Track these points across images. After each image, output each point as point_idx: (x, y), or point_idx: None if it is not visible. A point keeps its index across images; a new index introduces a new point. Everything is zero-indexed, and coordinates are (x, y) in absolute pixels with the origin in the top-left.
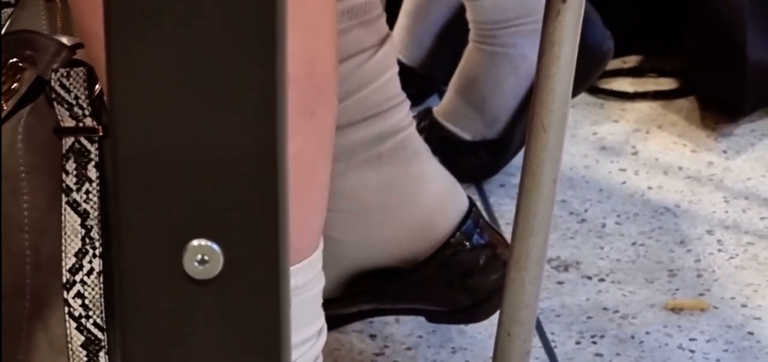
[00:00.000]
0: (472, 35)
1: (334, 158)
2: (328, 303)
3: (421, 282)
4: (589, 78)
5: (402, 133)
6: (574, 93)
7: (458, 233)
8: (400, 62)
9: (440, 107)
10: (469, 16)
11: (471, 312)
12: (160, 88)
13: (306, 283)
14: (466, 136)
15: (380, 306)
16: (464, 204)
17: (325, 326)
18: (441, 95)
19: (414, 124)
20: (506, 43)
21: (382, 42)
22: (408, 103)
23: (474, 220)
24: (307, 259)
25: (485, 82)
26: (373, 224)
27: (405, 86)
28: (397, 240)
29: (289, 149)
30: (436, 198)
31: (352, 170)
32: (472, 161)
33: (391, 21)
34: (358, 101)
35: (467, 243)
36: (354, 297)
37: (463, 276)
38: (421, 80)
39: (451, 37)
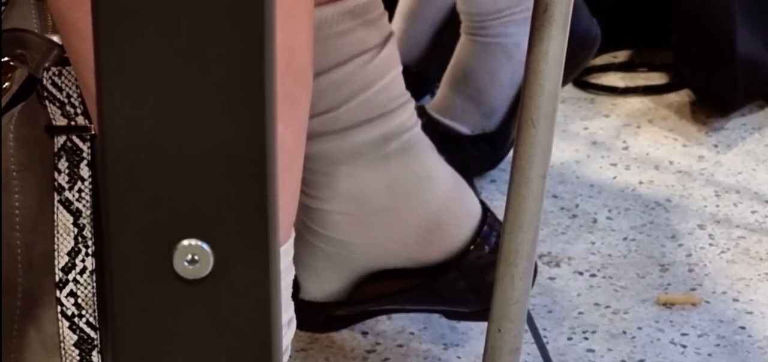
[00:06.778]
0: (463, 28)
1: (340, 160)
2: (340, 305)
3: (443, 288)
4: (578, 67)
5: (408, 133)
6: (564, 82)
7: (478, 239)
8: None
9: (434, 103)
10: (460, 7)
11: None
12: (147, 85)
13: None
14: (464, 130)
15: (399, 306)
16: (477, 208)
17: (294, 317)
18: (434, 94)
19: (419, 123)
20: (499, 33)
21: (386, 41)
22: (412, 102)
23: (490, 224)
24: (281, 247)
25: (480, 74)
26: (381, 226)
27: None
28: (404, 241)
29: None
30: (444, 198)
31: (358, 172)
32: (474, 154)
33: None
34: (362, 102)
35: (486, 247)
36: (373, 300)
37: (485, 278)
38: (417, 80)
39: (446, 38)
